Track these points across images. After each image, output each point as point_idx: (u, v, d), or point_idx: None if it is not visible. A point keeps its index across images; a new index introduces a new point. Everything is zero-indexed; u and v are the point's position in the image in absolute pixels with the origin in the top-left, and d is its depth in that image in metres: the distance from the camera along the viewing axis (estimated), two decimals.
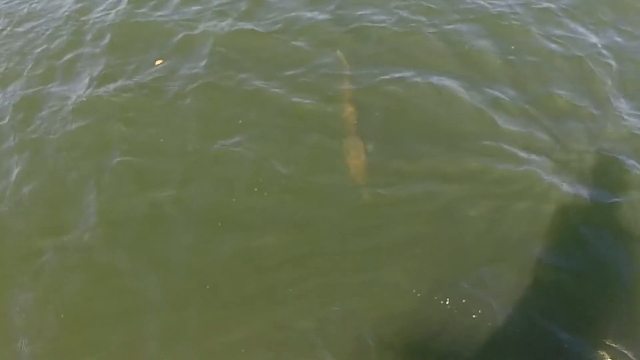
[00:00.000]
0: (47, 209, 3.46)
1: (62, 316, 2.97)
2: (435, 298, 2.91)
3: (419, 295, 2.94)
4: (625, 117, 3.90)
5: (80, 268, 3.16)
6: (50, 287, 3.10)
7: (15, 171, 3.67)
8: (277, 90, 4.02)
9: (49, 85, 4.29)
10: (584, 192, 3.39)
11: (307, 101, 3.92)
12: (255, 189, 3.41)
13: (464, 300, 2.90)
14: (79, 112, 3.99)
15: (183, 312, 2.95)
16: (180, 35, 4.54)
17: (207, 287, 3.02)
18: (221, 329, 2.89)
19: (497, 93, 4.02)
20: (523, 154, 3.63)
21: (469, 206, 3.30)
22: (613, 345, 2.73)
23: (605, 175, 3.52)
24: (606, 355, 2.68)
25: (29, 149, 3.80)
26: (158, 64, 4.10)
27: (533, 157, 3.62)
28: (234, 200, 3.39)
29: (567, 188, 3.40)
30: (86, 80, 4.27)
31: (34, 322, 2.99)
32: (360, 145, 3.54)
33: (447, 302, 2.89)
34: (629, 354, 2.68)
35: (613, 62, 4.27)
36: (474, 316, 2.85)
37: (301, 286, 3.00)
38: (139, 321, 2.94)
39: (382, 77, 4.11)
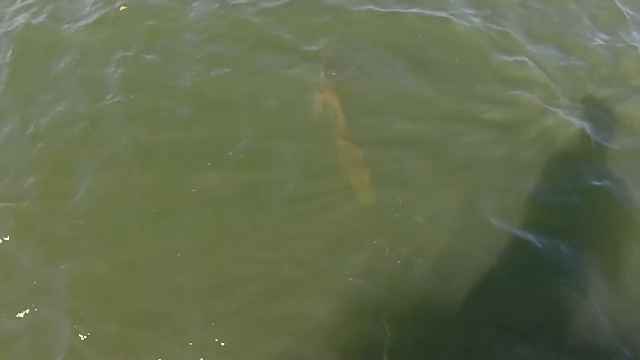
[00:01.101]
0: None
1: None
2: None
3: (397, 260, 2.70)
4: (597, 83, 3.66)
5: None
6: None
7: None
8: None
9: None
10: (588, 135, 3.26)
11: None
12: None
13: None
14: None
15: None
16: None
17: None
18: None
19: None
20: (524, 95, 3.46)
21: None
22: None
23: (575, 144, 3.29)
24: None
25: None
26: (122, 9, 3.92)
27: (535, 97, 3.45)
28: None
29: (570, 128, 3.27)
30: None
31: None
32: (358, 156, 3.06)
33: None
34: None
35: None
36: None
37: None
38: None
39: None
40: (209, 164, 2.98)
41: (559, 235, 2.79)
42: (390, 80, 3.49)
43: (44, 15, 3.86)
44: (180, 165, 2.98)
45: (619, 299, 2.59)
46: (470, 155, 3.12)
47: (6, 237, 2.69)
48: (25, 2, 4.01)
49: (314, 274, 2.59)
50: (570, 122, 3.33)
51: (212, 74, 3.44)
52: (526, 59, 3.70)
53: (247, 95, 3.34)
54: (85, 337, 2.37)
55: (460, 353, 2.42)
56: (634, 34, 4.00)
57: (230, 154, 3.02)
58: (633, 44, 3.92)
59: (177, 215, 2.77)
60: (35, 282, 2.56)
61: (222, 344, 2.37)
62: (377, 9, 3.93)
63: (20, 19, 3.86)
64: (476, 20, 3.93)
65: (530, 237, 2.77)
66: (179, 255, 2.64)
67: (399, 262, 2.63)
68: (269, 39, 3.67)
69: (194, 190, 2.86)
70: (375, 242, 2.69)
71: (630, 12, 4.14)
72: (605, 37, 3.94)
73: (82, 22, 3.82)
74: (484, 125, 3.29)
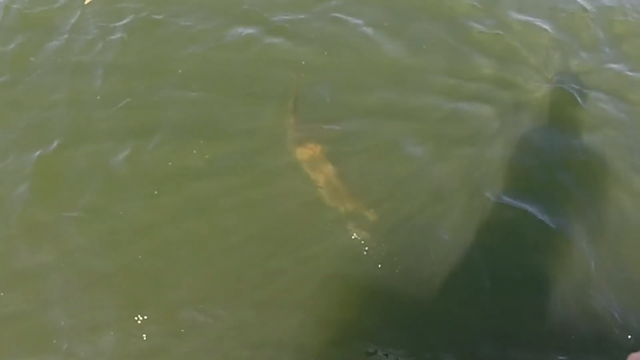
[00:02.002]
0: None
1: None
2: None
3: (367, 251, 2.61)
4: (585, 51, 3.58)
5: None
6: None
7: None
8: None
9: None
10: (538, 132, 3.15)
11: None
12: None
13: None
14: None
15: None
16: None
17: None
18: None
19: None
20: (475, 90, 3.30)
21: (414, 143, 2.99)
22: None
23: (563, 114, 3.24)
24: None
25: None
26: (87, 3, 3.75)
27: (486, 94, 3.29)
28: None
29: (519, 129, 3.13)
30: None
31: None
32: (338, 183, 2.76)
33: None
34: None
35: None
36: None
37: None
38: None
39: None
40: None
41: (542, 204, 2.78)
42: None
43: None
44: None
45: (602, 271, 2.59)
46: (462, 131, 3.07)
47: None
48: None
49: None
50: (556, 93, 3.28)
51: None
52: (508, 30, 3.61)
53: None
54: None
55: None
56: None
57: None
58: (621, 9, 3.84)
59: None
60: None
61: None
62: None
63: None
64: None
65: (519, 205, 2.77)
66: None
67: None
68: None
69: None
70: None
71: None
72: (589, 5, 3.84)
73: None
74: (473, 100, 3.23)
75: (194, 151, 2.82)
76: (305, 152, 2.80)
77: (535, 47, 3.56)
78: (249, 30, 3.44)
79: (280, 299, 2.40)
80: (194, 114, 3.01)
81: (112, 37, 3.36)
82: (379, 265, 2.51)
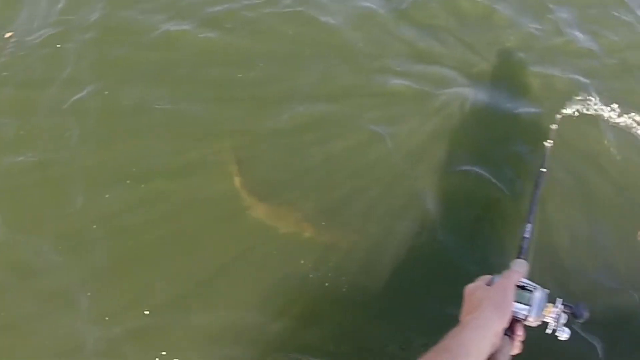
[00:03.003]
0: None
1: None
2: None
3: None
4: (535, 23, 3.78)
5: None
6: None
7: None
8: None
9: None
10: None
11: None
12: None
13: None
14: None
15: None
16: None
17: None
18: None
19: None
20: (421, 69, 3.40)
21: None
22: None
23: (511, 84, 3.40)
24: None
25: None
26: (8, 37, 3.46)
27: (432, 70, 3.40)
28: None
29: (470, 101, 3.23)
30: None
31: None
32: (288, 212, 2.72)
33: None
34: None
35: None
36: None
37: None
38: None
39: None
40: None
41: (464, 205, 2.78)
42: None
43: None
44: None
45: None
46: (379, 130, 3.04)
47: None
48: None
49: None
50: (478, 92, 3.33)
51: None
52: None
53: None
54: None
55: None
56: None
57: None
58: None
59: None
60: None
61: None
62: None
63: None
64: None
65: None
66: None
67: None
68: None
69: None
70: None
71: None
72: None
73: None
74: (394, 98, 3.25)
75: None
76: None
77: (467, 19, 3.72)
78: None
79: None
80: None
81: None
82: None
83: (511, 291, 1.18)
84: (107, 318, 2.24)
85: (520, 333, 1.20)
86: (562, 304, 1.24)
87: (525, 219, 1.53)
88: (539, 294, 1.23)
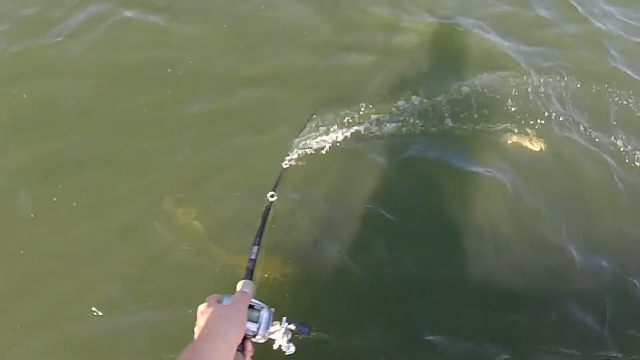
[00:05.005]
0: None
1: None
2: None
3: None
4: None
5: None
6: None
7: None
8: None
9: None
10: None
11: None
12: None
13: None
14: None
15: None
16: None
17: None
18: None
19: None
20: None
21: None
22: None
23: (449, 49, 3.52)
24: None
25: None
26: None
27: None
28: None
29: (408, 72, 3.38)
30: None
31: None
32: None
33: None
34: None
35: None
36: None
37: None
38: None
39: None
40: None
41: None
42: None
43: None
44: None
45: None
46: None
47: None
48: None
49: None
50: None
51: None
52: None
53: None
54: None
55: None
56: None
57: None
58: None
59: None
60: None
61: None
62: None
63: None
64: None
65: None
66: None
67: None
68: None
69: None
70: None
71: None
72: None
73: None
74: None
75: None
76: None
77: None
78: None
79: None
80: None
81: None
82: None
83: (245, 309, 1.28)
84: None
85: (249, 349, 1.30)
86: (287, 322, 1.34)
87: (252, 242, 1.60)
88: (265, 312, 1.32)
